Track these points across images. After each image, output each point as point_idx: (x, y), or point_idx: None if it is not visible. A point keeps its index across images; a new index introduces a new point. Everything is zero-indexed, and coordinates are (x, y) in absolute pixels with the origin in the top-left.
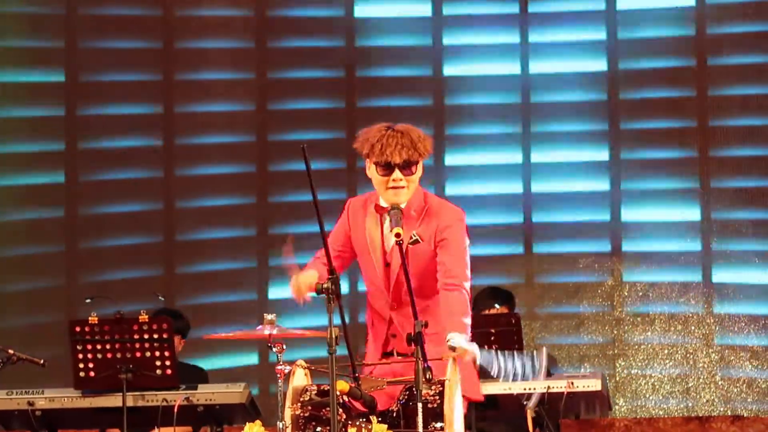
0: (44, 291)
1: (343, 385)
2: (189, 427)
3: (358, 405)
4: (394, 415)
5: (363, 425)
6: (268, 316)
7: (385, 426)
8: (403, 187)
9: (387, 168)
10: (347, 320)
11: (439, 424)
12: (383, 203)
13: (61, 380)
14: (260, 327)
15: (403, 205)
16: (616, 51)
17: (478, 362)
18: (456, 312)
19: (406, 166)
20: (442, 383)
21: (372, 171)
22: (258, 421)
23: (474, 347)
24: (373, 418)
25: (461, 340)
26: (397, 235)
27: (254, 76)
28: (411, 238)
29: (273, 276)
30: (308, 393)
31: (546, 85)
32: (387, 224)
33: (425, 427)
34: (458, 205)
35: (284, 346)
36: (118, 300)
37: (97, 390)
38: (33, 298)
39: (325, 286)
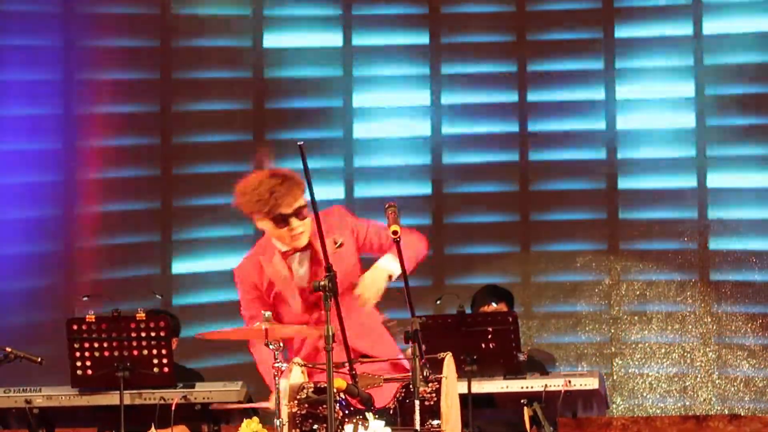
0: (42, 289)
1: (340, 383)
2: (184, 426)
3: (355, 402)
4: (391, 412)
5: (360, 422)
6: (266, 314)
7: (383, 422)
8: (302, 232)
9: (282, 221)
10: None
11: (435, 422)
12: (284, 247)
13: (58, 378)
14: (257, 325)
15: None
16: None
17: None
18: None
19: (299, 212)
20: (439, 381)
21: (265, 225)
22: (255, 418)
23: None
24: (370, 416)
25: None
26: (395, 232)
27: (251, 76)
28: (335, 243)
29: None
30: (305, 390)
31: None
32: (295, 265)
33: (422, 424)
34: (457, 204)
35: (281, 344)
36: (115, 298)
37: (94, 388)
38: (30, 297)
39: (322, 283)
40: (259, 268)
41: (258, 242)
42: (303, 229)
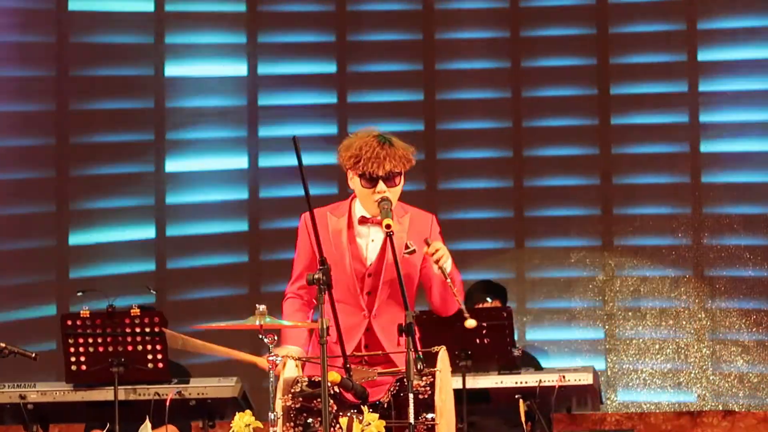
0: (36, 285)
1: (334, 376)
2: (174, 427)
3: (349, 396)
4: (385, 406)
5: (354, 416)
6: (260, 308)
7: (377, 416)
8: (388, 199)
9: (370, 180)
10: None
11: (430, 415)
12: (367, 213)
13: (53, 374)
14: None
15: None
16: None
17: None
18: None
19: (390, 178)
20: (433, 374)
21: (355, 183)
22: (248, 411)
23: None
24: (365, 409)
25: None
26: (387, 226)
27: (246, 71)
28: (407, 247)
29: (265, 271)
30: (299, 384)
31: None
32: (365, 236)
33: (416, 418)
34: (451, 200)
35: (275, 337)
36: (109, 294)
37: (88, 384)
38: (25, 292)
39: (315, 276)
40: (323, 221)
41: (339, 202)
42: (389, 196)
